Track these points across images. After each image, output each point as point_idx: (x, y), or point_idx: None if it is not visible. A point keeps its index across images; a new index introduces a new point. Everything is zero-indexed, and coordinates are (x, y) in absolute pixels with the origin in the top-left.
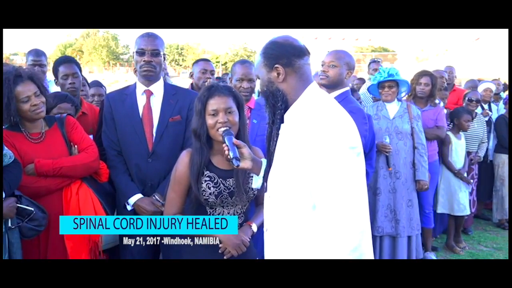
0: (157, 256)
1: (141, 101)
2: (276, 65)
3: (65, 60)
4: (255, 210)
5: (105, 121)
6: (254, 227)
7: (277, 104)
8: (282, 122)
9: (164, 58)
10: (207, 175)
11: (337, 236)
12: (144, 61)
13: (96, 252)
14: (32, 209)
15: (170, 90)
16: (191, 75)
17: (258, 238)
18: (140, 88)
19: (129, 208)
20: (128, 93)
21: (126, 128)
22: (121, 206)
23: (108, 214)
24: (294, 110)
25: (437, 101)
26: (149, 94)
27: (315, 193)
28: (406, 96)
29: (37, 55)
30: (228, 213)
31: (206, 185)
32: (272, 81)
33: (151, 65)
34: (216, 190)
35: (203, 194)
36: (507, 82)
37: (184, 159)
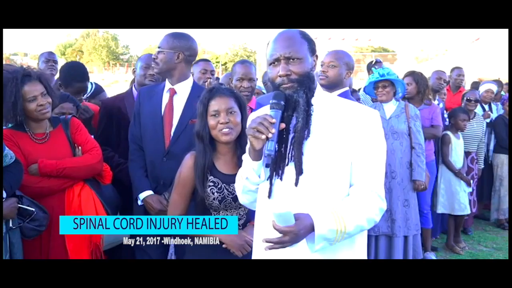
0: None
1: (165, 99)
2: (316, 54)
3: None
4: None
5: (133, 116)
6: None
7: (313, 90)
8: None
9: (178, 56)
10: (210, 180)
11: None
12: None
13: (97, 253)
14: (34, 209)
15: (197, 92)
16: (192, 75)
17: None
18: (167, 86)
19: (139, 202)
20: (157, 90)
21: (148, 125)
22: (134, 199)
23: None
24: (323, 99)
25: (436, 101)
26: (172, 92)
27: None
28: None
29: (50, 54)
30: (231, 215)
31: (210, 190)
32: (312, 66)
33: (154, 62)
34: (220, 195)
35: (207, 198)
36: (507, 82)
37: (188, 161)
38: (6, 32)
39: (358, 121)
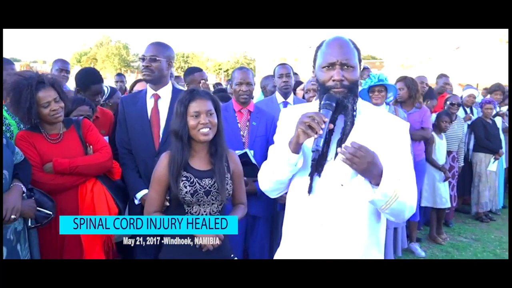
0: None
1: (150, 104)
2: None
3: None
4: (233, 208)
5: (119, 122)
6: None
7: (358, 97)
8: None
9: (169, 64)
10: (183, 175)
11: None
12: (143, 66)
13: (109, 244)
14: (51, 213)
15: (177, 95)
16: (186, 84)
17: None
18: (150, 92)
19: (136, 202)
20: (140, 96)
21: (136, 128)
22: (130, 200)
23: (121, 209)
24: (362, 106)
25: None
26: (156, 97)
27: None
28: (393, 101)
29: (64, 63)
30: (205, 211)
31: (183, 184)
32: (359, 75)
33: (148, 69)
34: (191, 188)
35: (180, 192)
36: (485, 87)
37: (163, 160)
38: (27, 41)
39: (395, 130)
